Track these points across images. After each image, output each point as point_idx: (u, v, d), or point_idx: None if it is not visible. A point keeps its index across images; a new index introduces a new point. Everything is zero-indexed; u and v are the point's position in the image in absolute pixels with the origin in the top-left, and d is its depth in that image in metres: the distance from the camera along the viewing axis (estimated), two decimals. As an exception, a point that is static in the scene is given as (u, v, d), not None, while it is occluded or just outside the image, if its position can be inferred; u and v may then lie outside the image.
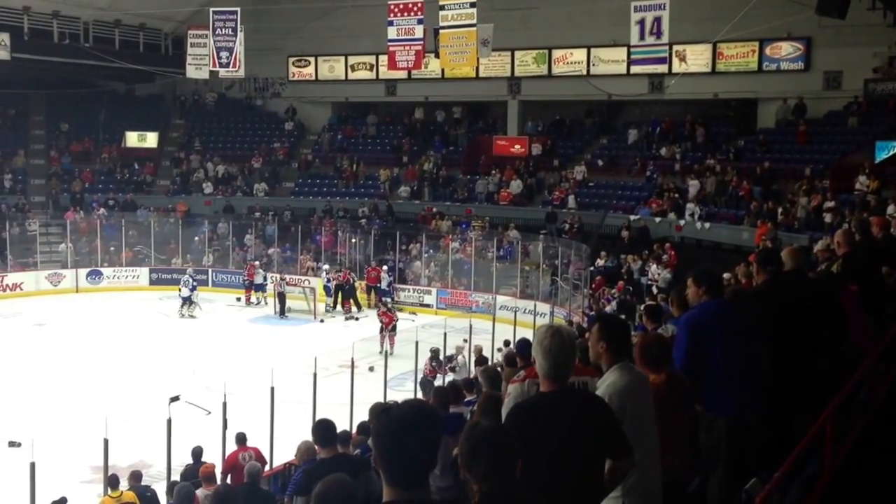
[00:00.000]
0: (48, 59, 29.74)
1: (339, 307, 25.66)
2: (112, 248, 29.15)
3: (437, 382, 15.86)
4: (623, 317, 17.81)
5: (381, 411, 2.34)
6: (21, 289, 27.06)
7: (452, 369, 16.24)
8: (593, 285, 23.23)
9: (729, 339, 4.52)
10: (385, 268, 26.30)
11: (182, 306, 25.07)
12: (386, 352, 18.59)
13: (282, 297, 25.10)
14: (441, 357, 16.60)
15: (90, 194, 31.65)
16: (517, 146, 30.60)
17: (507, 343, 16.54)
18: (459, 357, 16.72)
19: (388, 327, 20.71)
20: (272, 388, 12.14)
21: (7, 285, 27.03)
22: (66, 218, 29.52)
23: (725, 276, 10.37)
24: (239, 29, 25.33)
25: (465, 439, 2.58)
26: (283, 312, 25.03)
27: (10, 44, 28.21)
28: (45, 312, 24.38)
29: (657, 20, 21.01)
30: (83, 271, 28.27)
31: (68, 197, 31.37)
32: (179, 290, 25.36)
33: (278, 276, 26.03)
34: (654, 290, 21.78)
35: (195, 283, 25.50)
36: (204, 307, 25.72)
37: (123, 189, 32.15)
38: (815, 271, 7.82)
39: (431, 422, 2.33)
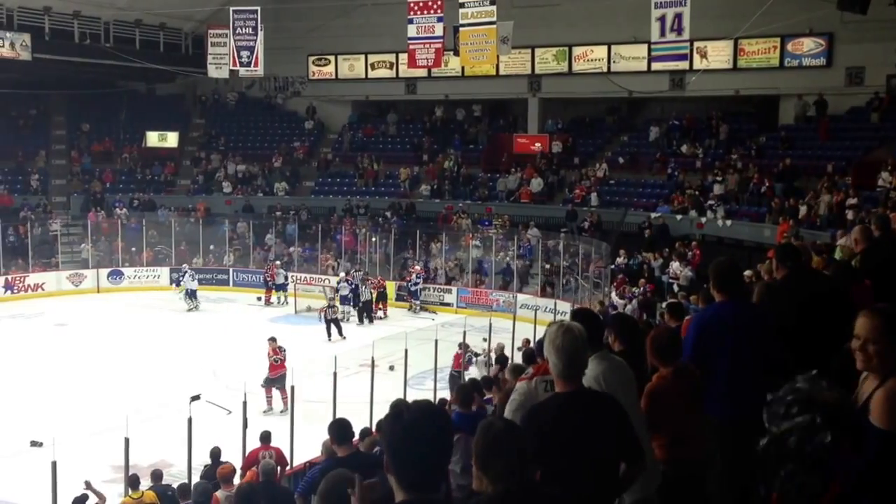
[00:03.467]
0: (69, 60, 29.96)
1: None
2: (133, 249, 29.33)
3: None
4: (644, 315, 17.72)
5: (392, 416, 2.31)
6: (43, 289, 27.29)
7: (470, 361, 16.33)
8: (615, 283, 23.08)
9: (738, 342, 4.42)
10: (417, 268, 26.28)
11: (189, 299, 25.57)
12: (406, 351, 18.39)
13: (336, 323, 22.36)
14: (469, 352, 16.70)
15: (111, 194, 31.86)
16: (537, 144, 30.48)
17: (526, 342, 16.49)
18: (481, 357, 16.73)
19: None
20: (292, 387, 12.16)
21: (29, 285, 27.27)
22: (87, 218, 29.74)
23: (747, 273, 10.24)
24: (259, 28, 25.45)
25: (481, 438, 2.55)
26: (339, 332, 22.31)
27: (31, 44, 28.51)
28: (66, 312, 24.57)
29: (678, 17, 20.85)
30: (104, 271, 28.46)
31: (89, 197, 31.58)
32: (183, 288, 25.84)
33: (326, 304, 23.03)
34: (675, 287, 21.64)
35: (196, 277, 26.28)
36: (225, 307, 25.85)
37: (144, 189, 32.33)
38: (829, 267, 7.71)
39: (442, 424, 2.32)
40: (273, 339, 16.76)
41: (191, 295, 25.74)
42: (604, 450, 3.22)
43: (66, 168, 32.79)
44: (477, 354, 16.80)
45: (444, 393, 14.65)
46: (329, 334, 22.04)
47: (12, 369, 18.02)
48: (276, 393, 15.93)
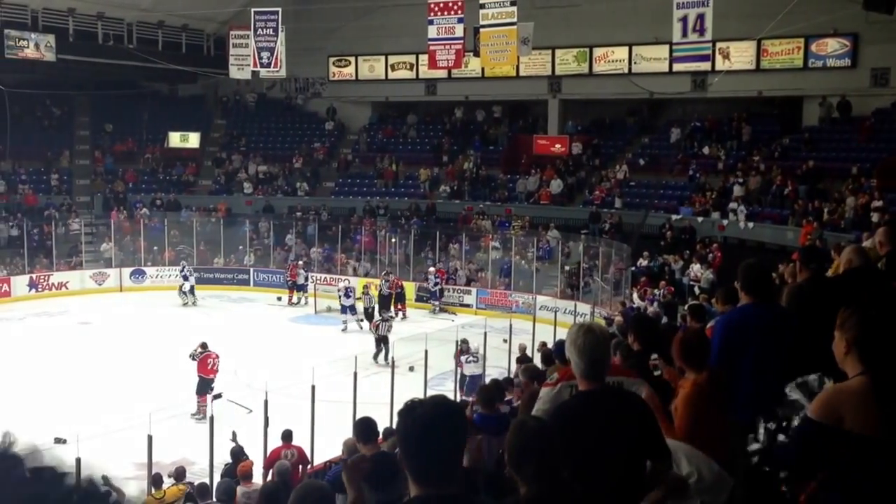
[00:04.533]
0: (93, 61, 30.25)
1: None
2: (155, 248, 29.56)
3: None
4: (665, 318, 17.62)
5: (406, 410, 2.32)
6: (66, 288, 27.57)
7: (468, 361, 16.26)
8: (637, 285, 22.98)
9: (764, 345, 4.38)
10: (432, 269, 26.29)
11: (186, 295, 26.13)
12: (426, 352, 18.37)
13: (384, 341, 19.74)
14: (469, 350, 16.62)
15: (133, 194, 32.13)
16: (558, 145, 30.41)
17: (543, 344, 16.44)
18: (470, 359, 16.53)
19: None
20: (313, 387, 12.19)
21: (53, 284, 27.55)
22: (110, 218, 30.01)
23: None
24: (280, 29, 25.53)
25: (514, 438, 2.54)
26: (385, 356, 19.07)
27: (55, 45, 28.84)
28: (89, 311, 24.79)
29: (700, 17, 20.71)
30: (127, 270, 28.71)
31: (112, 197, 31.85)
32: (181, 286, 26.35)
33: (380, 321, 20.90)
34: (697, 290, 21.52)
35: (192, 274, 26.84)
36: (245, 307, 25.99)
37: (166, 189, 32.58)
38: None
39: (456, 419, 2.32)
40: (204, 345, 16.25)
41: (188, 291, 26.36)
42: (628, 448, 3.21)
43: (89, 168, 33.08)
44: (474, 355, 16.53)
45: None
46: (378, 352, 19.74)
47: (37, 367, 18.21)
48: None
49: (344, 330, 22.99)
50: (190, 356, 16.05)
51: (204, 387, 15.51)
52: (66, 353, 19.60)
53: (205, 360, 15.82)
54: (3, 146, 30.91)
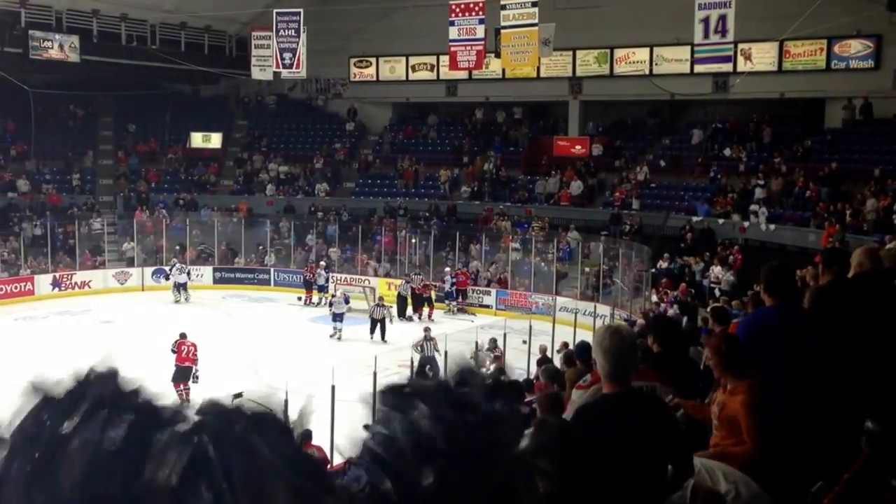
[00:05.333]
0: (116, 62, 30.56)
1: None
2: (177, 247, 29.78)
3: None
4: (685, 319, 17.54)
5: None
6: (89, 286, 27.83)
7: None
8: (659, 287, 22.88)
9: (788, 348, 4.35)
10: (448, 269, 26.32)
11: (179, 291, 26.55)
12: (446, 352, 18.40)
13: (381, 324, 22.00)
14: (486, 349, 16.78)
15: (156, 194, 32.39)
16: (578, 147, 30.35)
17: (565, 345, 16.42)
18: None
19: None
20: (332, 387, 12.24)
21: (76, 283, 27.83)
22: (133, 218, 30.26)
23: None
24: (302, 30, 25.66)
25: (534, 436, 2.56)
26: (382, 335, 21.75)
27: (79, 46, 29.14)
28: (112, 310, 25.01)
29: (722, 18, 20.64)
30: (149, 270, 28.93)
31: (135, 196, 32.13)
32: (173, 282, 26.78)
33: (375, 303, 22.79)
34: (717, 292, 21.41)
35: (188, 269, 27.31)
36: (266, 306, 26.11)
37: (188, 189, 32.81)
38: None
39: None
40: (184, 335, 16.82)
41: (180, 287, 26.72)
42: (650, 452, 3.21)
43: (112, 168, 33.38)
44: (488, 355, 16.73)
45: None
46: (372, 332, 21.72)
47: (60, 364, 18.35)
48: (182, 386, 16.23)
49: (336, 337, 21.98)
50: (171, 349, 16.54)
51: (179, 375, 16.03)
52: (89, 352, 19.75)
53: (179, 349, 16.35)
54: (27, 146, 31.30)
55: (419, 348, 17.84)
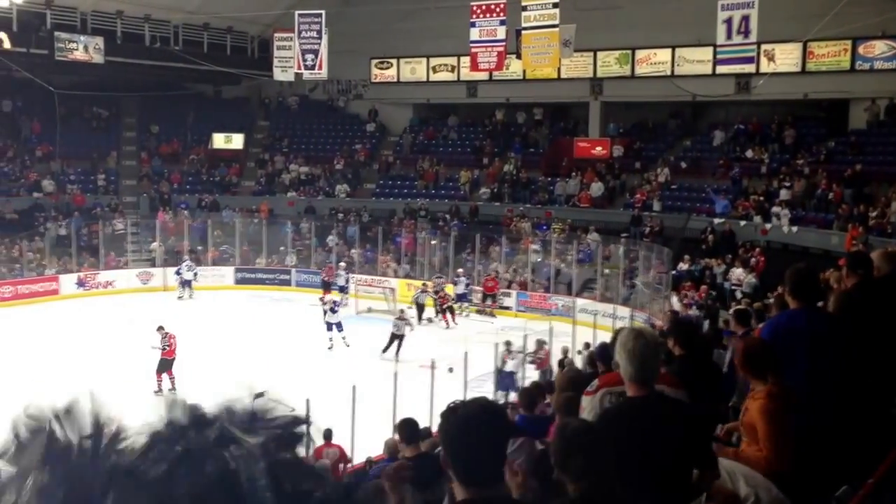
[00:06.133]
0: (139, 63, 30.82)
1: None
2: (199, 248, 29.99)
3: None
4: (707, 322, 17.46)
5: (448, 411, 2.35)
6: (113, 286, 28.10)
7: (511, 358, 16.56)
8: (682, 289, 22.76)
9: (812, 351, 4.32)
10: (461, 270, 26.32)
11: (183, 288, 27.25)
12: (466, 353, 18.42)
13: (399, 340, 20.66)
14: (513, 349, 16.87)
15: (178, 195, 32.63)
16: (599, 148, 30.26)
17: (587, 346, 16.41)
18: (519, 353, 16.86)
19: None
20: (353, 387, 12.29)
21: (100, 283, 28.12)
22: (155, 218, 30.51)
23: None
24: (323, 31, 25.75)
25: (558, 439, 2.58)
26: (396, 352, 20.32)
27: (103, 48, 29.41)
28: (135, 309, 25.21)
29: (745, 19, 20.52)
30: (171, 270, 29.14)
31: (157, 197, 32.38)
32: (180, 278, 27.50)
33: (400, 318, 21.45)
34: (738, 294, 21.27)
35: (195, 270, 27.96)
36: (286, 307, 26.23)
37: (210, 190, 33.02)
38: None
39: (498, 419, 2.33)
40: (161, 328, 17.61)
41: (185, 284, 27.45)
42: (674, 456, 3.20)
43: (135, 169, 33.67)
44: (518, 352, 16.87)
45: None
46: (386, 349, 20.06)
47: (84, 364, 18.58)
48: (164, 376, 17.24)
49: (330, 348, 20.94)
50: (161, 346, 17.35)
51: (161, 366, 17.07)
52: (113, 351, 19.96)
53: (170, 342, 17.28)
54: (52, 147, 31.65)
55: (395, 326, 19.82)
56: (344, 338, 21.04)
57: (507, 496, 2.48)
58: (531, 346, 17.40)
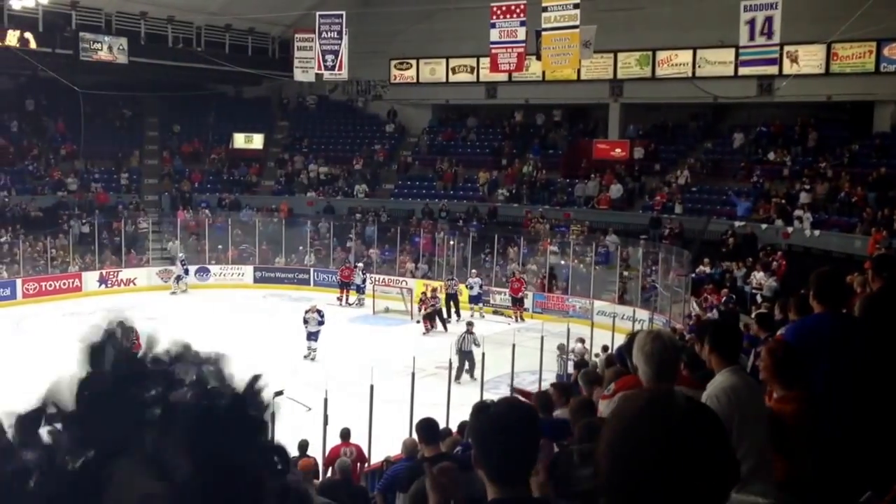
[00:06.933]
0: (162, 63, 31.07)
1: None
2: (220, 247, 30.19)
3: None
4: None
5: (479, 409, 2.34)
6: (134, 284, 28.38)
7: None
8: (704, 292, 22.60)
9: (836, 356, 4.27)
10: (474, 271, 26.29)
11: (177, 282, 27.72)
12: (483, 354, 18.42)
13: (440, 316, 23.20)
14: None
15: (199, 194, 32.85)
16: (618, 150, 30.13)
17: (605, 348, 16.36)
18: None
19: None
20: (371, 386, 12.31)
21: (122, 280, 28.38)
22: (177, 217, 30.75)
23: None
24: (344, 32, 25.83)
25: (581, 439, 2.58)
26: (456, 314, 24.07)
27: (127, 48, 29.66)
28: (156, 307, 25.41)
29: (768, 20, 20.39)
30: (192, 268, 29.35)
31: (178, 196, 32.62)
32: (178, 273, 27.90)
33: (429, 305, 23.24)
34: (759, 298, 21.10)
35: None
36: (305, 306, 26.26)
37: (230, 189, 33.23)
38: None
39: (528, 419, 2.33)
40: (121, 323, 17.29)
41: (177, 279, 28.02)
42: (695, 458, 3.17)
43: (157, 168, 33.93)
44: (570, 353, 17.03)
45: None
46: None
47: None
48: None
49: (311, 358, 19.88)
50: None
51: None
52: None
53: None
54: (77, 146, 31.96)
55: (459, 342, 18.01)
56: (314, 350, 19.77)
57: (539, 497, 2.47)
58: (550, 348, 17.38)
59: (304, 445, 10.99)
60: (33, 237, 27.94)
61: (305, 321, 20.21)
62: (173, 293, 27.67)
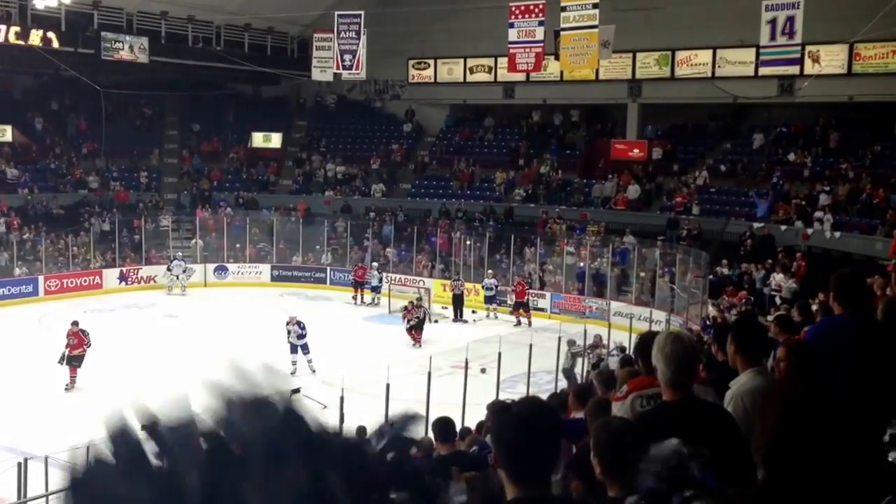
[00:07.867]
0: (183, 63, 31.27)
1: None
2: (238, 245, 30.35)
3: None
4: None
5: (501, 409, 2.33)
6: (154, 281, 28.58)
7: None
8: (725, 293, 22.44)
9: (857, 358, 4.23)
10: (490, 272, 26.25)
11: (176, 279, 27.76)
12: (499, 354, 18.38)
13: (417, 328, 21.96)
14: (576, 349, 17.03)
15: (218, 192, 33.04)
16: (636, 150, 30.01)
17: (622, 349, 16.30)
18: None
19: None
20: (387, 385, 12.33)
21: (142, 278, 28.60)
22: (196, 215, 30.94)
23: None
24: (362, 32, 25.89)
25: (601, 435, 2.59)
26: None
27: (148, 48, 29.88)
28: (176, 305, 25.61)
29: (790, 19, 20.25)
30: (211, 266, 29.53)
31: (198, 195, 32.81)
32: (175, 273, 27.85)
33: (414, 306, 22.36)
34: (778, 300, 20.96)
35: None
36: (321, 305, 26.40)
37: (248, 188, 33.39)
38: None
39: (550, 418, 2.32)
40: (75, 323, 17.58)
41: (173, 279, 28.02)
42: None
43: (177, 167, 34.16)
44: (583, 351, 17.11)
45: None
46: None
47: (126, 357, 18.90)
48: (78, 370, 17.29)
49: (293, 373, 18.14)
50: (67, 341, 17.37)
51: (71, 360, 17.23)
52: (154, 345, 20.28)
53: (78, 338, 17.36)
54: (98, 144, 32.23)
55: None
56: (310, 361, 18.79)
57: (560, 496, 2.46)
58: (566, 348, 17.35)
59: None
60: (55, 235, 28.21)
61: (288, 332, 18.89)
62: (169, 292, 27.73)
